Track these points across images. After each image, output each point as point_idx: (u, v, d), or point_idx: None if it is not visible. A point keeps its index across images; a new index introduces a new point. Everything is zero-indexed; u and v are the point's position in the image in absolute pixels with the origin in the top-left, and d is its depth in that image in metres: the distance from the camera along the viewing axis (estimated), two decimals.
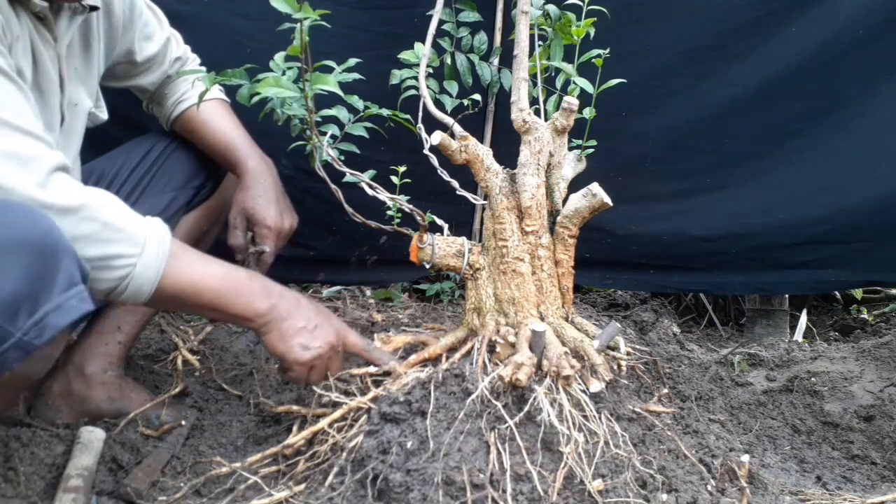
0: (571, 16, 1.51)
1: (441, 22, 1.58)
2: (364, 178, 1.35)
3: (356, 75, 1.36)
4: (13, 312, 0.86)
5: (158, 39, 1.52)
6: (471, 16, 1.69)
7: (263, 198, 1.46)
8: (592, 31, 1.50)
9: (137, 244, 1.07)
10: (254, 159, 1.50)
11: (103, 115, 1.46)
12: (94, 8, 1.32)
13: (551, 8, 1.53)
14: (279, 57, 1.27)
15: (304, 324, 1.22)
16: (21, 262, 0.87)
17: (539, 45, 1.57)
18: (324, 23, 1.19)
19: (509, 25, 1.81)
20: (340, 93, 1.28)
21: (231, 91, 1.49)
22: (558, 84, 1.53)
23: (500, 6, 1.93)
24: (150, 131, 1.62)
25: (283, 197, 1.51)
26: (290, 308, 1.22)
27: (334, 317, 1.30)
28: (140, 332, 1.55)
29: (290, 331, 1.21)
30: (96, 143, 1.52)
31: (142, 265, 1.07)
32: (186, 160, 1.54)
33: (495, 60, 1.78)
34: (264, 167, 1.50)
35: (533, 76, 1.51)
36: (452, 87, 1.64)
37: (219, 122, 1.52)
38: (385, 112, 1.49)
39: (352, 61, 1.36)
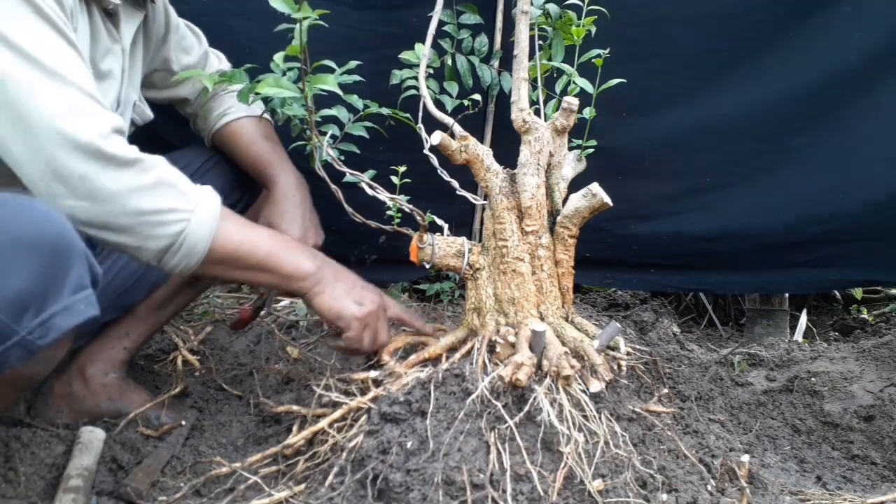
0: (572, 14, 1.51)
1: (442, 23, 1.58)
2: (364, 178, 1.35)
3: (357, 77, 1.36)
4: (20, 311, 0.86)
5: (196, 52, 1.57)
6: (472, 18, 1.69)
7: (289, 214, 1.45)
8: (594, 30, 1.50)
9: (191, 201, 1.10)
10: (285, 175, 1.50)
11: (148, 111, 1.50)
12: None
13: (552, 7, 1.53)
14: (279, 57, 1.27)
15: (352, 284, 1.26)
16: (32, 262, 0.87)
17: (539, 45, 1.57)
18: (322, 23, 1.19)
19: (509, 27, 1.81)
20: (340, 92, 1.28)
21: None
22: (558, 87, 1.53)
23: (500, 7, 1.93)
24: (191, 145, 1.64)
25: (310, 214, 1.50)
26: (336, 270, 1.25)
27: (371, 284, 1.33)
28: (147, 341, 1.56)
29: (342, 289, 1.23)
30: None
31: (196, 221, 1.09)
32: (223, 176, 1.55)
33: (496, 63, 1.78)
34: (294, 183, 1.50)
35: (533, 80, 1.51)
36: (453, 87, 1.64)
37: (256, 137, 1.53)
38: (385, 111, 1.49)
39: (352, 63, 1.36)
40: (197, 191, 1.12)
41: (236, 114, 1.54)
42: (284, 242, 1.23)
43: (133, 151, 1.07)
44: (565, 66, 1.51)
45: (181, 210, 1.08)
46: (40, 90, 0.99)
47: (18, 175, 1.02)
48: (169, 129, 1.80)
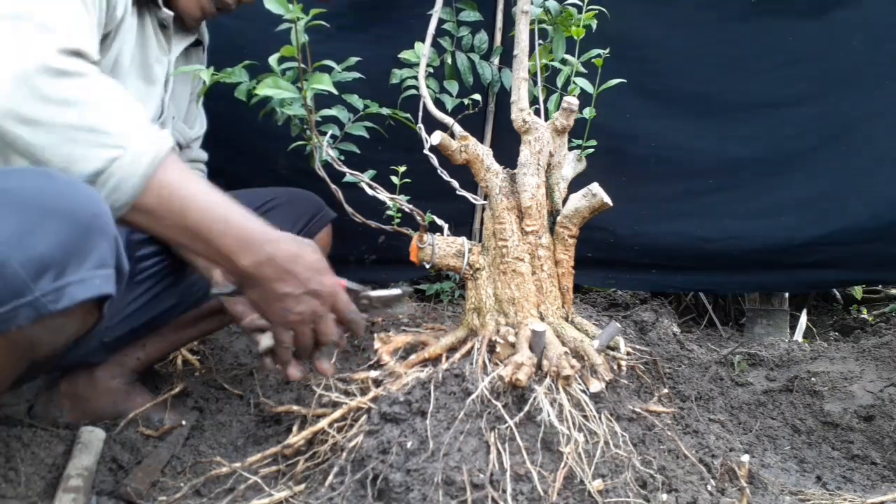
0: (573, 9, 1.51)
1: (441, 21, 1.59)
2: (364, 179, 1.36)
3: (356, 74, 1.36)
4: (40, 272, 0.87)
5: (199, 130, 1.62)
6: (471, 15, 1.69)
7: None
8: (594, 24, 1.50)
9: (137, 131, 0.98)
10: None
11: (189, 131, 1.54)
12: (198, 42, 1.53)
13: (552, 4, 1.53)
14: (275, 58, 1.27)
15: (288, 289, 1.08)
16: (62, 230, 0.88)
17: (539, 44, 1.57)
18: (323, 23, 1.19)
19: (510, 24, 1.81)
20: (336, 92, 1.28)
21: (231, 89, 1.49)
22: (559, 81, 1.53)
23: (500, 5, 1.93)
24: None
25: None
26: (278, 272, 1.07)
27: (328, 276, 1.12)
28: (164, 357, 1.58)
29: (272, 294, 1.07)
30: None
31: (134, 152, 0.97)
32: (292, 213, 1.57)
33: (496, 60, 1.78)
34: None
35: (533, 76, 1.51)
36: (453, 86, 1.64)
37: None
38: (385, 111, 1.49)
39: (351, 60, 1.36)
40: (146, 127, 1.00)
41: None
42: (231, 214, 1.04)
43: (90, 69, 0.99)
44: (569, 57, 1.50)
45: (119, 135, 0.97)
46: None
47: None
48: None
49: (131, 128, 0.98)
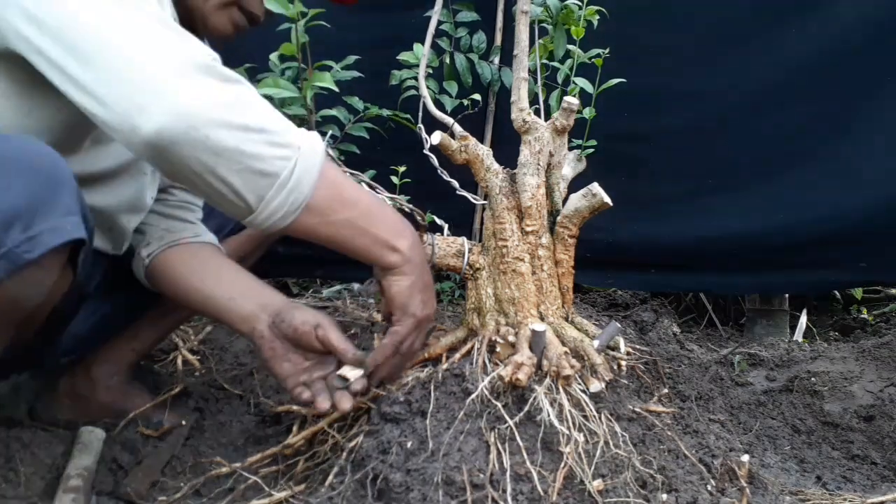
0: (573, 5, 1.51)
1: (439, 22, 1.59)
2: (364, 178, 1.36)
3: (355, 73, 1.36)
4: (8, 224, 0.88)
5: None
6: (468, 15, 1.69)
7: None
8: (595, 21, 1.50)
9: (298, 130, 0.99)
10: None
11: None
12: None
13: (552, 2, 1.53)
14: (275, 56, 1.27)
15: (428, 278, 1.14)
16: (24, 183, 0.90)
17: (539, 42, 1.57)
18: (324, 23, 1.19)
19: (510, 24, 1.81)
20: (336, 90, 1.28)
21: None
22: (560, 77, 1.53)
23: (500, 5, 1.93)
24: None
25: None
26: (423, 257, 1.13)
27: None
28: (156, 345, 1.56)
29: (421, 284, 1.11)
30: None
31: (306, 149, 0.97)
32: None
33: (496, 59, 1.78)
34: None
35: (533, 74, 1.51)
36: (452, 87, 1.64)
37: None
38: (385, 112, 1.49)
39: (351, 58, 1.36)
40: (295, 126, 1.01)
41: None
42: (384, 205, 1.10)
43: (236, 76, 0.98)
44: (573, 48, 1.49)
45: (291, 135, 0.96)
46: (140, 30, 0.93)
47: (89, 96, 0.91)
48: None
49: (292, 128, 0.98)
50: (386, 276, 1.11)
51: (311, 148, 0.98)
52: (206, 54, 0.95)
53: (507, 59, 1.67)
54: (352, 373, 1.13)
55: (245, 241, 1.54)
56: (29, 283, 0.96)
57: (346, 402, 1.12)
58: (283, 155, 0.95)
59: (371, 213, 1.05)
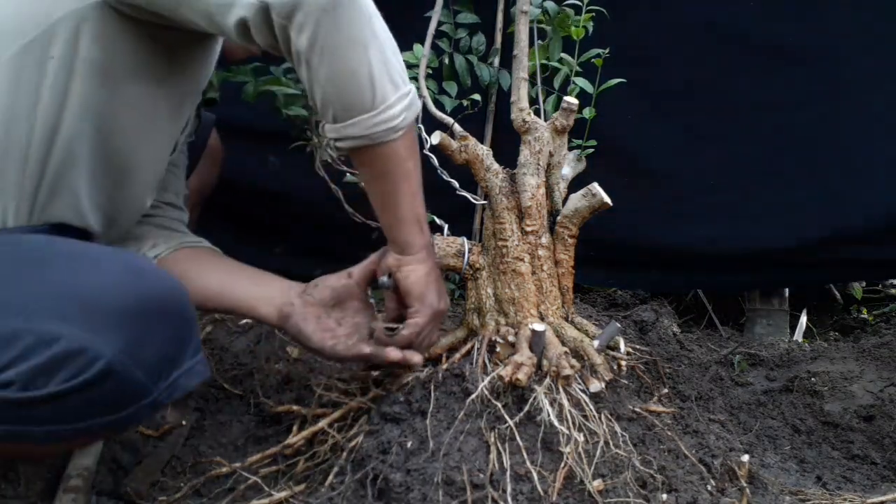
0: (570, 11, 1.51)
1: (439, 23, 1.59)
2: None
3: None
4: (156, 375, 0.90)
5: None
6: (468, 17, 1.69)
7: None
8: (591, 27, 1.50)
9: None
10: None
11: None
12: None
13: (549, 5, 1.53)
14: None
15: (440, 273, 1.18)
16: (168, 329, 0.91)
17: (539, 43, 1.57)
18: None
19: (510, 25, 1.81)
20: None
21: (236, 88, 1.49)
22: (557, 83, 1.53)
23: (500, 6, 1.93)
24: None
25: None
26: (434, 252, 1.19)
27: None
28: None
29: (435, 274, 1.16)
30: None
31: (413, 90, 1.07)
32: None
33: (494, 61, 1.78)
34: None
35: (532, 75, 1.51)
36: (452, 87, 1.64)
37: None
38: None
39: None
40: None
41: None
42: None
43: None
44: (566, 56, 1.50)
45: (406, 76, 1.06)
46: None
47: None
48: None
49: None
50: (402, 267, 1.13)
51: (414, 92, 1.06)
52: None
53: (506, 61, 1.67)
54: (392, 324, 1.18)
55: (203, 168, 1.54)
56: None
57: (416, 357, 1.17)
58: (405, 78, 1.04)
59: (420, 186, 1.11)
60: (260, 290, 1.21)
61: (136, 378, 0.87)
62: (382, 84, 1.00)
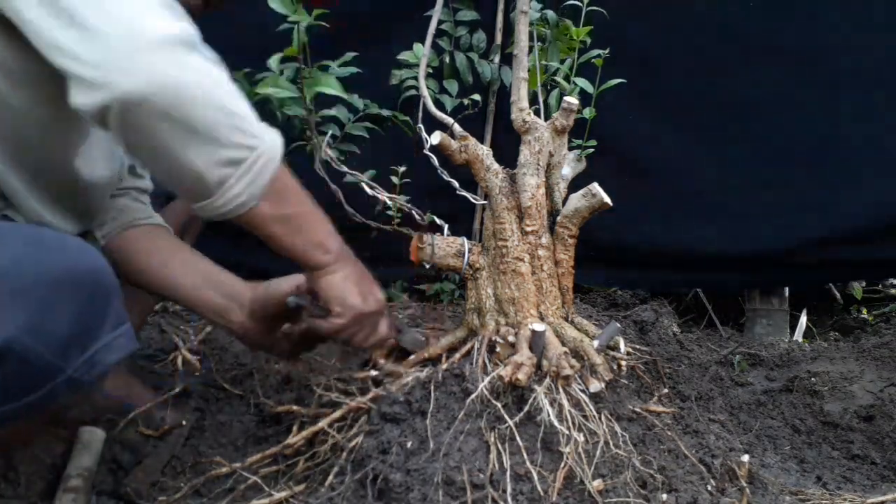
0: (569, 22, 1.51)
1: (439, 22, 1.59)
2: (364, 179, 1.36)
3: (353, 69, 1.35)
4: (66, 350, 0.87)
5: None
6: (468, 14, 1.69)
7: None
8: (589, 41, 1.50)
9: (260, 122, 0.97)
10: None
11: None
12: None
13: (549, 13, 1.54)
14: (276, 58, 1.27)
15: (364, 276, 1.17)
16: (75, 301, 0.87)
17: (539, 45, 1.57)
18: (324, 23, 1.19)
19: (510, 23, 1.82)
20: (344, 95, 1.28)
21: None
22: (553, 100, 1.53)
23: (500, 5, 1.93)
24: None
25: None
26: (353, 258, 1.16)
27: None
28: (140, 327, 1.55)
29: (356, 276, 1.14)
30: None
31: (268, 140, 0.96)
32: None
33: (496, 58, 1.77)
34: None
35: (533, 76, 1.51)
36: (452, 86, 1.64)
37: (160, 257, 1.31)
38: (385, 112, 1.49)
39: (348, 55, 1.36)
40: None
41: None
42: (317, 207, 1.11)
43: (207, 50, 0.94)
44: (561, 67, 1.50)
45: (256, 126, 0.95)
46: None
47: (62, 65, 0.85)
48: None
49: (256, 118, 0.97)
50: (318, 279, 1.13)
51: (273, 140, 0.97)
52: (193, 30, 0.91)
53: (507, 58, 1.66)
54: None
55: (181, 215, 1.49)
56: (81, 396, 0.97)
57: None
58: (250, 144, 0.93)
59: (310, 214, 1.08)
60: (207, 298, 1.22)
61: (40, 356, 0.83)
62: (214, 172, 0.92)
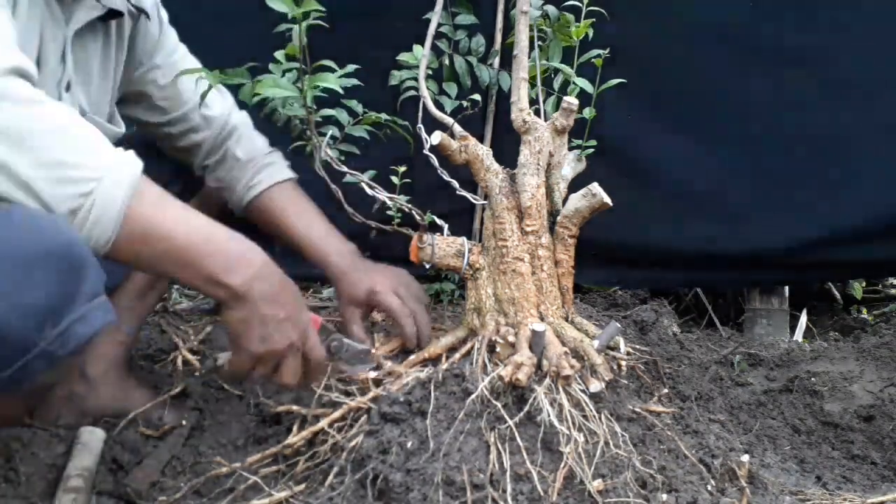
0: (570, 17, 1.51)
1: (438, 24, 1.59)
2: (364, 178, 1.36)
3: (354, 81, 1.35)
4: (39, 322, 0.86)
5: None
6: (467, 18, 1.69)
7: (365, 280, 1.43)
8: (591, 33, 1.51)
9: (104, 158, 0.92)
10: (336, 253, 1.47)
11: (118, 128, 1.38)
12: (114, 13, 1.26)
13: (550, 9, 1.54)
14: (279, 55, 1.27)
15: (273, 312, 1.06)
16: (48, 274, 0.86)
17: (539, 45, 1.57)
18: (323, 24, 1.19)
19: (510, 26, 1.82)
20: (341, 91, 1.27)
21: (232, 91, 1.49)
22: (556, 86, 1.53)
23: (500, 7, 1.93)
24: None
25: (373, 265, 1.48)
26: (265, 291, 1.04)
27: (306, 311, 1.14)
28: (137, 333, 1.55)
29: (257, 316, 1.04)
30: None
31: (109, 182, 0.90)
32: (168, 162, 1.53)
33: (494, 62, 1.77)
34: (347, 258, 1.47)
35: (533, 77, 1.51)
36: (451, 88, 1.64)
37: (296, 212, 1.51)
38: (383, 117, 1.49)
39: (350, 67, 1.36)
40: (112, 150, 0.94)
41: (265, 184, 1.51)
42: (214, 236, 1.02)
43: (38, 94, 0.90)
44: (563, 67, 1.51)
45: (90, 167, 0.89)
46: None
47: None
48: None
49: (98, 154, 0.92)
50: (222, 308, 1.06)
51: (115, 179, 0.91)
52: (9, 67, 0.87)
53: (506, 62, 1.66)
54: None
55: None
56: (59, 370, 0.94)
57: None
58: (76, 192, 0.89)
59: (192, 247, 0.98)
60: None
61: (10, 329, 0.82)
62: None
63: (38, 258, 0.85)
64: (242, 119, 1.56)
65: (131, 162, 0.95)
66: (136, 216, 0.93)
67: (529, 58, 1.38)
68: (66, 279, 0.88)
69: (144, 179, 0.96)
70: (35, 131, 0.88)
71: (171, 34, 1.48)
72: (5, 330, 0.82)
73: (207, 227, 1.02)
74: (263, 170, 1.53)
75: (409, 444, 1.09)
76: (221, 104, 1.52)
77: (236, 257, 1.02)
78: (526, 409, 1.11)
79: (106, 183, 0.90)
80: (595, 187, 1.30)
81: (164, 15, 1.47)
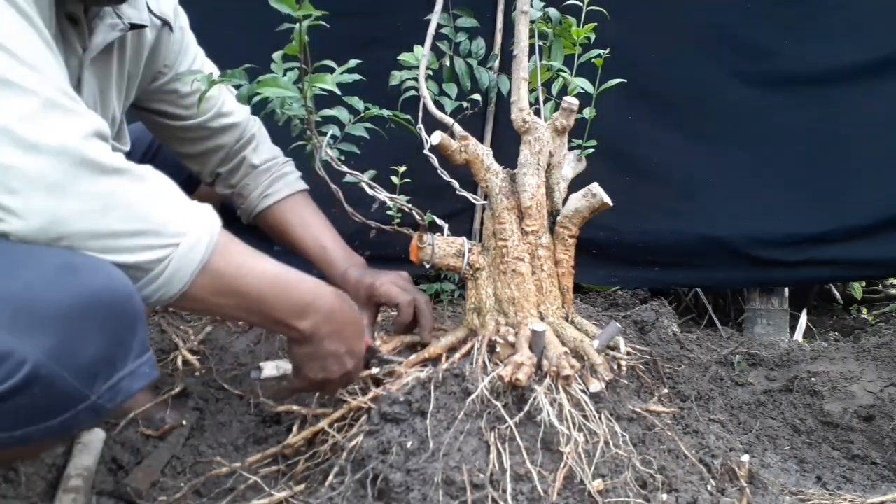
0: (571, 20, 1.51)
1: (439, 26, 1.59)
2: (364, 178, 1.36)
3: (356, 76, 1.35)
4: (92, 377, 0.86)
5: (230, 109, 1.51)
6: (468, 21, 1.69)
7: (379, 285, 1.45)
8: (593, 37, 1.51)
9: (185, 219, 0.93)
10: (345, 266, 1.51)
11: (125, 146, 1.39)
12: (135, 26, 1.25)
13: (552, 11, 1.53)
14: (278, 56, 1.27)
15: (335, 348, 1.13)
16: (104, 329, 0.87)
17: (539, 45, 1.57)
18: (324, 23, 1.19)
19: (510, 28, 1.82)
20: (338, 92, 1.27)
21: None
22: (555, 88, 1.53)
23: (500, 8, 1.94)
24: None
25: (385, 273, 1.48)
26: (331, 331, 1.11)
27: (362, 342, 1.21)
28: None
29: (321, 352, 1.12)
30: None
31: (186, 244, 0.92)
32: (172, 160, 1.53)
33: (494, 65, 1.77)
34: (358, 270, 1.50)
35: (533, 77, 1.51)
36: (451, 89, 1.64)
37: (308, 224, 1.55)
38: (385, 113, 1.49)
39: (352, 62, 1.36)
40: (192, 208, 0.96)
41: (279, 195, 1.54)
42: (285, 280, 1.05)
43: (119, 159, 0.90)
44: (563, 69, 1.50)
45: (169, 234, 0.91)
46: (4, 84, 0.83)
47: None
48: None
49: (182, 215, 0.94)
50: (288, 342, 1.14)
51: (194, 241, 0.93)
52: (87, 139, 0.87)
53: (506, 65, 1.66)
54: None
55: None
56: (101, 420, 0.98)
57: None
58: (156, 257, 0.90)
59: (265, 298, 1.02)
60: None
61: (65, 382, 0.82)
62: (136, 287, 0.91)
63: (97, 311, 0.86)
64: (259, 127, 1.57)
65: (210, 220, 0.97)
66: (207, 275, 0.95)
67: (529, 59, 1.38)
68: (122, 334, 0.89)
69: (222, 236, 0.98)
70: (116, 205, 0.88)
71: (192, 41, 1.47)
72: (59, 384, 0.82)
73: (275, 273, 1.04)
74: (280, 179, 1.56)
75: (409, 444, 1.09)
76: (241, 111, 1.53)
77: (305, 303, 1.07)
78: (526, 409, 1.11)
79: (184, 247, 0.92)
80: (595, 187, 1.30)
81: (185, 21, 1.45)
